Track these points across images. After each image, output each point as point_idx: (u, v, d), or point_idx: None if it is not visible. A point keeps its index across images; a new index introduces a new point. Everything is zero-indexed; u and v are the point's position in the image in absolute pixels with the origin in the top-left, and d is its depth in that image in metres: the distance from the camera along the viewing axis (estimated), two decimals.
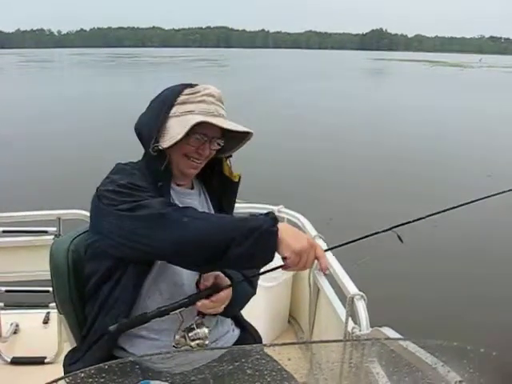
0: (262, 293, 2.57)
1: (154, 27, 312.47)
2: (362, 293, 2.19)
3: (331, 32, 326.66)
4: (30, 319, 3.40)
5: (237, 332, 1.80)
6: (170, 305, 1.43)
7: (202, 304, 1.49)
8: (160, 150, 1.57)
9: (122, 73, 48.89)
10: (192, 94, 1.61)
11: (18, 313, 3.46)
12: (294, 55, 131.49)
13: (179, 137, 1.54)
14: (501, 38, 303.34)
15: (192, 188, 1.76)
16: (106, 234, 1.51)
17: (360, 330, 2.10)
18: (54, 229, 3.01)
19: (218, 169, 1.76)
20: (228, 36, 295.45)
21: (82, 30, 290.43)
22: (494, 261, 6.19)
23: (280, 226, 1.36)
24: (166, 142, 1.57)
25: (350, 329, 2.18)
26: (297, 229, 1.40)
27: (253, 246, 1.32)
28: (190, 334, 1.49)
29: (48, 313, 3.40)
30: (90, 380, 0.94)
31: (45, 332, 3.28)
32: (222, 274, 1.58)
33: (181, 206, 1.62)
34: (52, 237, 2.89)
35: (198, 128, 1.56)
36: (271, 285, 3.12)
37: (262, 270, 1.47)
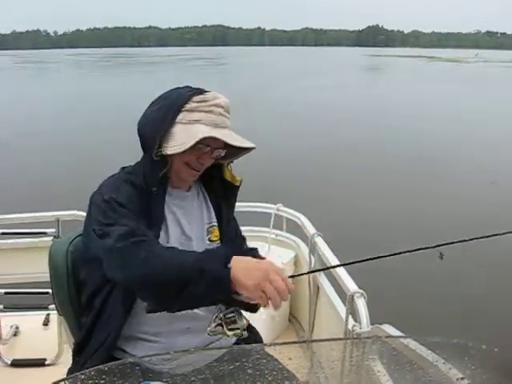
0: None
1: (150, 27, 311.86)
2: (361, 290, 2.19)
3: (327, 29, 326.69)
4: (30, 321, 3.40)
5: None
6: None
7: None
8: (163, 155, 1.56)
9: (118, 73, 48.80)
10: (201, 102, 1.58)
11: (18, 315, 3.46)
12: (291, 52, 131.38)
13: (185, 148, 1.52)
14: (497, 32, 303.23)
15: (189, 190, 1.75)
16: (85, 243, 1.60)
17: (360, 328, 2.10)
18: (53, 230, 3.00)
19: (218, 174, 1.75)
20: (224, 34, 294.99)
21: (78, 30, 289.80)
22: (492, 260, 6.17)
23: (233, 263, 1.33)
24: (170, 149, 1.55)
25: (350, 327, 2.18)
26: (252, 260, 1.36)
27: (208, 288, 1.31)
28: (228, 324, 1.46)
29: (48, 314, 3.39)
30: (91, 382, 0.94)
31: (45, 334, 3.28)
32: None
33: (176, 209, 1.65)
34: (51, 238, 2.87)
35: (203, 139, 1.54)
36: None
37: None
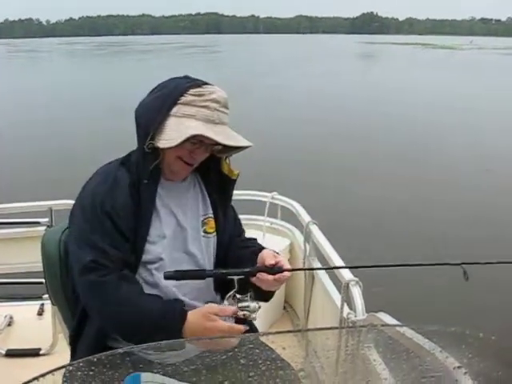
0: None
1: (143, 15, 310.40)
2: (357, 278, 2.18)
3: (322, 16, 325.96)
4: (24, 311, 3.39)
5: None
6: (231, 270, 1.51)
7: (266, 279, 1.51)
8: (154, 147, 1.53)
9: (112, 61, 48.57)
10: (197, 95, 1.53)
11: (12, 305, 3.46)
12: (285, 40, 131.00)
13: (174, 143, 1.49)
14: (491, 19, 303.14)
15: (184, 180, 1.71)
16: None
17: (356, 316, 2.09)
18: (46, 219, 2.99)
19: (216, 166, 1.72)
20: (218, 22, 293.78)
21: (71, 18, 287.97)
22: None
23: (188, 322, 1.45)
24: (161, 143, 1.52)
25: (345, 315, 2.18)
26: (203, 324, 1.44)
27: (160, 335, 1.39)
28: (240, 304, 1.47)
29: (42, 304, 3.38)
30: (79, 373, 0.92)
31: (39, 324, 3.27)
32: (281, 258, 1.59)
33: (169, 201, 1.64)
34: (44, 228, 2.86)
35: (195, 135, 1.51)
36: None
37: None
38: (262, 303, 1.50)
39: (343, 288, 2.20)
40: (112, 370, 0.95)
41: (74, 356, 1.68)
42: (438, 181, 8.95)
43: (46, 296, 3.04)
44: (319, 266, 2.92)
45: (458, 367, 1.05)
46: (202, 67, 31.78)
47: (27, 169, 9.44)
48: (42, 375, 0.85)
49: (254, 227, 3.38)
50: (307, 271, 3.01)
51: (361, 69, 38.65)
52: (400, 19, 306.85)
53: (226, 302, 1.49)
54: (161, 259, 1.60)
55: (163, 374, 1.01)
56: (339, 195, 8.18)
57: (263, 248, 1.67)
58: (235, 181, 1.74)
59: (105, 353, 0.95)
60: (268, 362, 1.13)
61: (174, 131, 1.51)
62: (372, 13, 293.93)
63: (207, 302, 1.58)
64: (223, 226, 1.76)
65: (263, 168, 8.76)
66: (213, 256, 1.73)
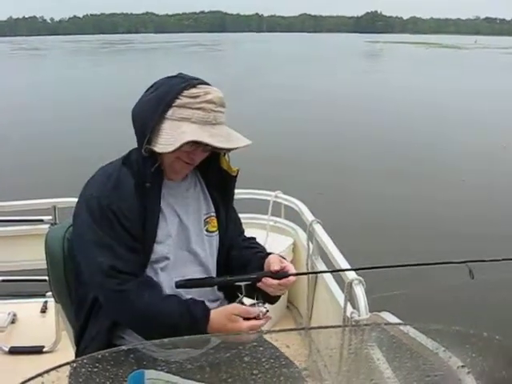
0: None
1: (147, 13, 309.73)
2: (360, 277, 2.18)
3: (326, 15, 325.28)
4: (27, 308, 3.39)
5: None
6: (238, 277, 1.54)
7: (271, 284, 1.53)
8: (152, 151, 1.53)
9: (116, 59, 48.61)
10: (192, 97, 1.51)
11: (16, 302, 3.46)
12: (289, 39, 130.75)
13: (170, 149, 1.49)
14: (496, 19, 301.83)
15: (185, 179, 1.71)
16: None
17: (359, 315, 2.09)
18: (50, 217, 3.00)
19: (215, 163, 1.71)
20: (222, 20, 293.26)
21: (75, 16, 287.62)
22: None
23: (211, 323, 1.48)
24: (158, 147, 1.52)
25: (348, 314, 2.18)
26: (226, 325, 1.47)
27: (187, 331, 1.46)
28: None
29: (46, 302, 3.39)
30: (84, 370, 0.93)
31: (42, 321, 3.28)
32: (287, 263, 1.60)
33: (172, 200, 1.64)
34: (48, 225, 2.87)
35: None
36: None
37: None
38: (266, 305, 1.52)
39: (346, 287, 2.20)
40: (116, 366, 0.95)
41: (78, 353, 1.68)
42: (443, 179, 8.94)
43: (50, 293, 3.04)
44: (322, 264, 2.92)
45: (462, 366, 1.05)
46: (206, 65, 31.74)
47: (30, 167, 9.43)
48: (47, 371, 0.85)
49: (257, 226, 3.38)
50: (310, 271, 3.01)
51: (365, 67, 38.51)
52: (404, 18, 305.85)
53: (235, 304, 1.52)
54: (167, 258, 1.61)
55: (167, 372, 1.01)
56: (343, 194, 8.17)
57: (268, 253, 1.69)
58: (236, 178, 1.74)
59: (109, 350, 0.95)
60: (271, 360, 1.13)
61: (170, 136, 1.50)
62: (376, 12, 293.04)
63: (212, 301, 1.61)
64: (225, 224, 1.76)
65: (267, 167, 8.76)
66: (215, 254, 1.73)
